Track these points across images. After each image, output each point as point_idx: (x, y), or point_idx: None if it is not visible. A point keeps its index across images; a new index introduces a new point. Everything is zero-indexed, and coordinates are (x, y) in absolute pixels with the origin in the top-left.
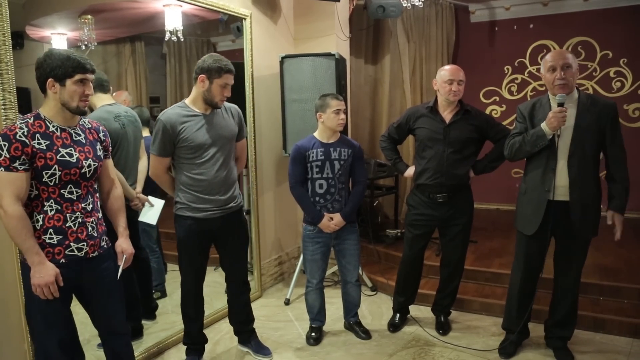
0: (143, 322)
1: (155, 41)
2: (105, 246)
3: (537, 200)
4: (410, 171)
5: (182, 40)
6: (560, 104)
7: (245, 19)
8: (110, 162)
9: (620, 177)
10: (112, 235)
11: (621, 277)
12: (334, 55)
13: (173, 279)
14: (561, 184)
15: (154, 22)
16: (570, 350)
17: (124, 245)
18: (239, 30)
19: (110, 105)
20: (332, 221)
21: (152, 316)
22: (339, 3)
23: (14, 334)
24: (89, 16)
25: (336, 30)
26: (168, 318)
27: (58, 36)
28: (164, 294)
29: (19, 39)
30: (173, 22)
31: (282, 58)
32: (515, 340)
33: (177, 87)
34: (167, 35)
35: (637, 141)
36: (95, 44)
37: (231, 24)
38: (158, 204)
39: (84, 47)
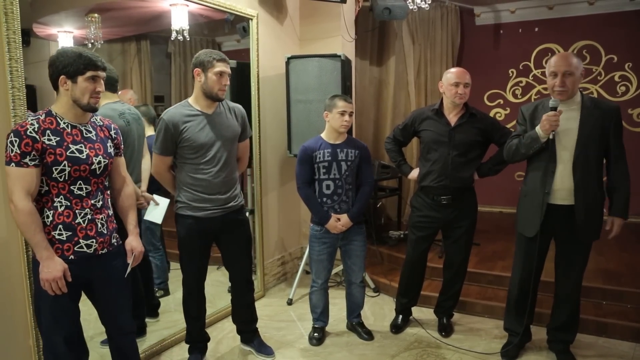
0: (146, 320)
1: (161, 40)
2: (116, 243)
3: (537, 203)
4: (414, 173)
5: (188, 39)
6: (553, 108)
7: (251, 19)
8: (121, 160)
9: (621, 183)
10: (123, 233)
11: (624, 282)
12: (339, 56)
13: (176, 277)
14: (562, 188)
15: (160, 21)
16: (573, 354)
17: (133, 243)
18: (245, 31)
19: (115, 103)
20: (339, 222)
21: (154, 314)
22: (345, 4)
23: (19, 329)
24: (96, 14)
25: (342, 31)
26: (171, 316)
27: (64, 34)
28: (166, 292)
29: (25, 36)
30: (179, 22)
31: (288, 59)
32: (517, 343)
33: (181, 87)
34: (173, 35)
35: None
36: (102, 42)
37: (237, 24)
38: (163, 202)
39: (90, 45)
